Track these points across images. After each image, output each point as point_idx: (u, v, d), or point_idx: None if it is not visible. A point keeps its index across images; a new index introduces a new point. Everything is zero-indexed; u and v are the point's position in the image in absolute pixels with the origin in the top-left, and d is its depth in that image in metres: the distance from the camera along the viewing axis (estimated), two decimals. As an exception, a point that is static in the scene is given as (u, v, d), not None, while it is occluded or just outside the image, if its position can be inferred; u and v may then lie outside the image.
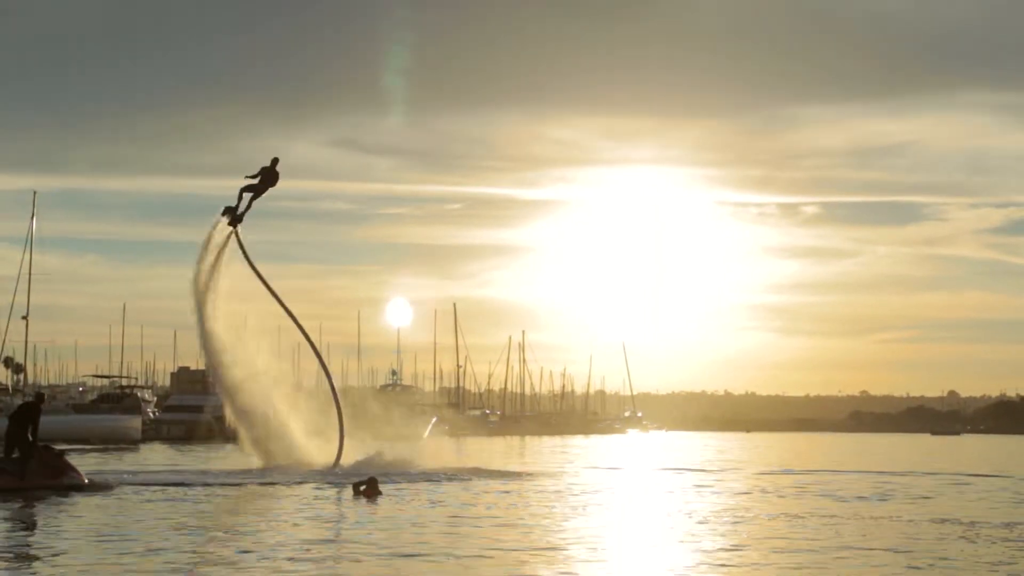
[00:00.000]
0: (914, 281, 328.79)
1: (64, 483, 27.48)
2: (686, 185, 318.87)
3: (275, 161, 37.99)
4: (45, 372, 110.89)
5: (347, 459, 36.88)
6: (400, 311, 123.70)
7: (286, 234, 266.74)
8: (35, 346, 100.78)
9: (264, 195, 38.21)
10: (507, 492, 29.09)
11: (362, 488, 26.80)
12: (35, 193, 73.74)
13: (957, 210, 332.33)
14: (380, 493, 26.57)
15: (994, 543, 18.47)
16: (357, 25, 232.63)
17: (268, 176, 37.81)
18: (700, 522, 21.63)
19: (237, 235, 38.05)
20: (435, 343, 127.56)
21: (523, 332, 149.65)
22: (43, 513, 22.71)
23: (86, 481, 28.07)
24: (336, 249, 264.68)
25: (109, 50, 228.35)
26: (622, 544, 18.41)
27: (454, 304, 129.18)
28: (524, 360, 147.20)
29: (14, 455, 27.47)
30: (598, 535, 19.36)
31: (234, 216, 38.05)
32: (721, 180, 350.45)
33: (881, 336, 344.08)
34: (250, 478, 32.03)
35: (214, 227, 38.18)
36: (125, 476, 32.37)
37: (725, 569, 15.17)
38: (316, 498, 26.29)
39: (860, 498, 28.60)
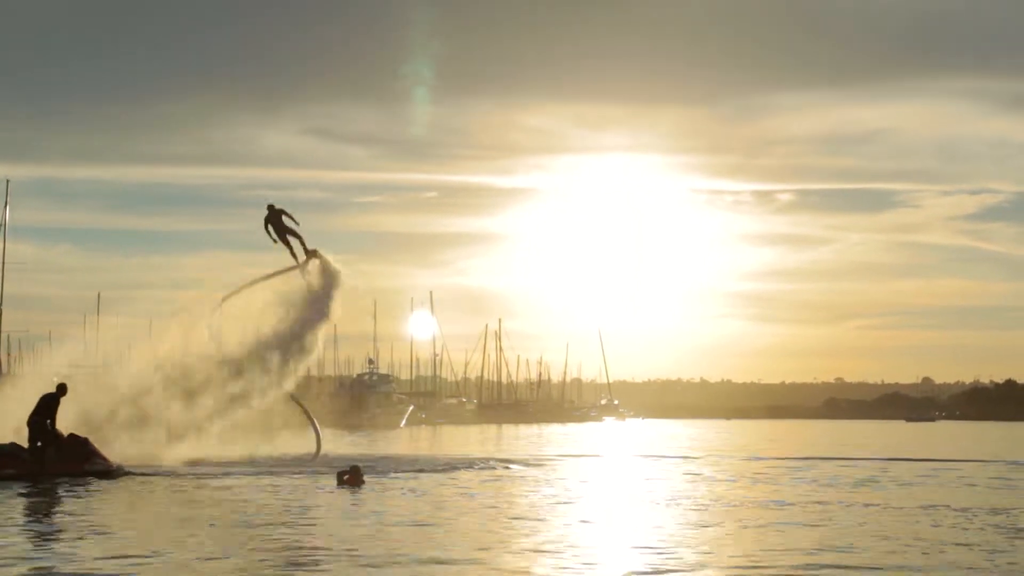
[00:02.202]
0: (888, 268, 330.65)
1: (87, 469, 28.03)
2: (660, 173, 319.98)
3: (270, 207, 37.83)
4: (19, 363, 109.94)
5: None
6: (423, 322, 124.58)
7: (261, 223, 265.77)
8: (8, 336, 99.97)
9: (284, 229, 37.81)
10: (490, 481, 28.95)
11: (345, 477, 26.62)
12: (8, 182, 73.23)
13: (931, 197, 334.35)
14: (364, 482, 26.38)
15: (984, 529, 18.39)
16: (330, 15, 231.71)
17: (275, 220, 37.69)
18: (693, 509, 21.53)
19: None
20: (411, 331, 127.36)
21: (499, 320, 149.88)
22: (42, 500, 22.97)
23: (115, 467, 28.71)
24: (311, 238, 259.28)
25: (83, 39, 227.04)
26: (617, 534, 18.24)
27: (430, 292, 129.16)
28: (500, 348, 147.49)
29: (38, 444, 28.36)
30: (587, 526, 19.21)
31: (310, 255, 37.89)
32: (695, 167, 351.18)
33: (856, 323, 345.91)
34: (236, 468, 31.68)
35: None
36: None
37: (729, 558, 14.99)
38: (296, 488, 25.99)
39: (849, 485, 28.56)
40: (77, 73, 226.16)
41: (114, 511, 21.10)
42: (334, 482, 26.62)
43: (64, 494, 24.05)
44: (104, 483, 26.51)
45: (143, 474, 28.77)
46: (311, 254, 37.66)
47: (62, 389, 29.41)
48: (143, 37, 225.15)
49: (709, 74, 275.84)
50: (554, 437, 76.23)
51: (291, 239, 37.54)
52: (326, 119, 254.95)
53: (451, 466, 34.02)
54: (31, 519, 19.76)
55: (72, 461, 28.35)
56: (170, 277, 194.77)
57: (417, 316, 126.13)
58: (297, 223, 37.68)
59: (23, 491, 24.49)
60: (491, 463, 36.16)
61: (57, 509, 21.48)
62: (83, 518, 19.17)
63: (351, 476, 26.59)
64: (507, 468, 34.17)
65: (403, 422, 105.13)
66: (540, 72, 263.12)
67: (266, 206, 37.78)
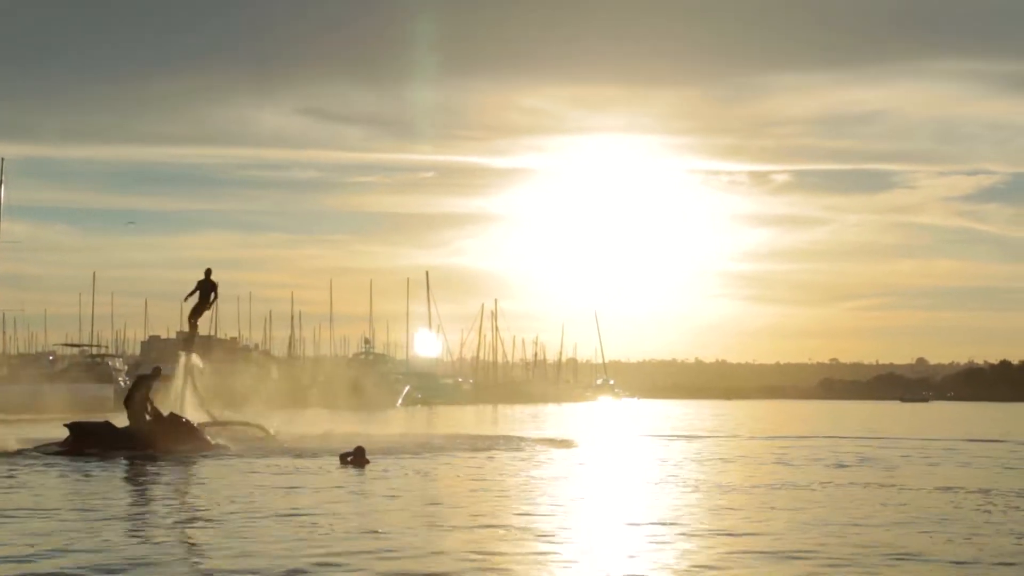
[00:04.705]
0: (884, 249, 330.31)
1: (182, 449, 28.92)
2: (657, 153, 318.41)
3: (208, 272, 35.05)
4: (15, 341, 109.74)
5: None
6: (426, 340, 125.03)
7: (256, 203, 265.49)
8: (4, 315, 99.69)
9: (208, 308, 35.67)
10: (489, 460, 28.63)
11: (349, 458, 26.18)
12: (2, 160, 72.44)
13: (927, 178, 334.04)
14: (368, 462, 25.93)
15: (1006, 511, 18.00)
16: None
17: (205, 288, 34.89)
18: (725, 491, 21.12)
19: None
20: (407, 312, 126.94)
21: (495, 300, 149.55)
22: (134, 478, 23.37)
23: (214, 444, 30.18)
24: (307, 218, 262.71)
25: (78, 18, 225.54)
26: (624, 517, 17.83)
27: (427, 272, 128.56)
28: (496, 328, 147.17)
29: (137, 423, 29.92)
30: (587, 507, 18.85)
31: (186, 342, 36.12)
32: (692, 148, 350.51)
33: (851, 304, 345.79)
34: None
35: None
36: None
37: (758, 542, 14.56)
38: (297, 468, 25.54)
39: (859, 464, 28.24)
40: (72, 52, 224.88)
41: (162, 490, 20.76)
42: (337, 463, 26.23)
43: (137, 473, 24.33)
44: (189, 463, 26.53)
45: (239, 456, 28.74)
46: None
47: (156, 372, 31.28)
48: (138, 16, 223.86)
49: (706, 55, 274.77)
50: (553, 416, 75.97)
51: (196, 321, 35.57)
52: (322, 99, 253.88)
53: (464, 446, 33.79)
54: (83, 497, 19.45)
55: (165, 440, 29.24)
56: (165, 257, 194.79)
57: (413, 296, 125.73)
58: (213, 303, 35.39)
59: (103, 468, 24.99)
60: (502, 442, 36.15)
61: (124, 486, 21.63)
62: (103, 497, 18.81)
63: (355, 457, 26.16)
64: (525, 448, 33.77)
65: (399, 402, 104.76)
66: (537, 53, 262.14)
67: (205, 270, 35.20)
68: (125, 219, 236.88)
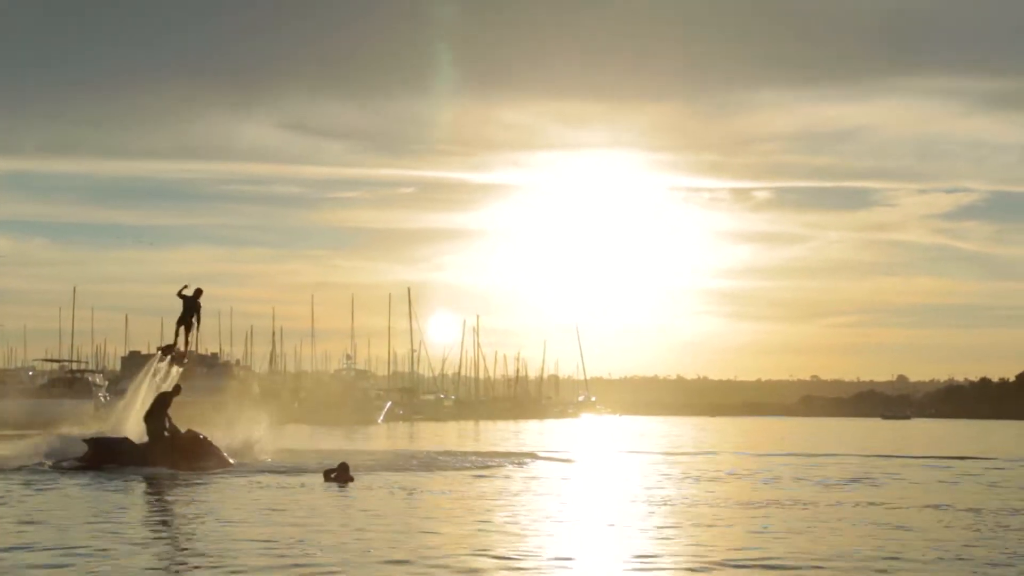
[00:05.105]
0: (864, 266, 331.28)
1: (195, 466, 28.73)
2: (638, 170, 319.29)
3: (198, 292, 33.51)
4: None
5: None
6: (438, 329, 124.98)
7: (238, 218, 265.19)
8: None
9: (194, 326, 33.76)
10: (480, 478, 28.39)
11: (333, 475, 25.96)
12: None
13: (907, 195, 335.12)
14: (352, 479, 25.71)
15: (995, 530, 17.88)
16: (307, 9, 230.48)
17: (190, 305, 33.38)
18: (716, 510, 20.97)
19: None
20: (389, 327, 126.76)
21: (477, 316, 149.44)
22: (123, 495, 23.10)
23: (232, 463, 30.04)
24: (288, 233, 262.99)
25: (59, 32, 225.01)
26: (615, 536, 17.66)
27: (408, 288, 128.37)
28: (478, 344, 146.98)
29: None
30: (598, 527, 18.69)
31: (176, 356, 33.55)
32: (673, 165, 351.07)
33: (831, 321, 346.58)
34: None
35: (153, 366, 33.57)
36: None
37: (754, 563, 14.41)
38: (280, 486, 25.28)
39: (845, 482, 28.10)
40: (53, 66, 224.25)
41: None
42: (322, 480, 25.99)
43: (147, 490, 24.36)
44: (199, 481, 26.21)
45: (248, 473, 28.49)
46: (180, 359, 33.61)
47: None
48: (120, 30, 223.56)
49: (688, 72, 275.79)
50: (536, 434, 75.72)
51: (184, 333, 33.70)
52: (304, 114, 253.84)
53: (450, 463, 33.61)
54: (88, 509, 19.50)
55: (181, 457, 29.14)
56: (146, 271, 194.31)
57: (395, 312, 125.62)
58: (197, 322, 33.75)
59: (115, 483, 24.91)
60: (486, 459, 35.94)
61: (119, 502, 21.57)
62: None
63: (339, 473, 25.94)
64: (502, 465, 33.56)
65: (381, 418, 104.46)
66: (519, 68, 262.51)
67: (196, 290, 33.50)
68: (105, 234, 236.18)
